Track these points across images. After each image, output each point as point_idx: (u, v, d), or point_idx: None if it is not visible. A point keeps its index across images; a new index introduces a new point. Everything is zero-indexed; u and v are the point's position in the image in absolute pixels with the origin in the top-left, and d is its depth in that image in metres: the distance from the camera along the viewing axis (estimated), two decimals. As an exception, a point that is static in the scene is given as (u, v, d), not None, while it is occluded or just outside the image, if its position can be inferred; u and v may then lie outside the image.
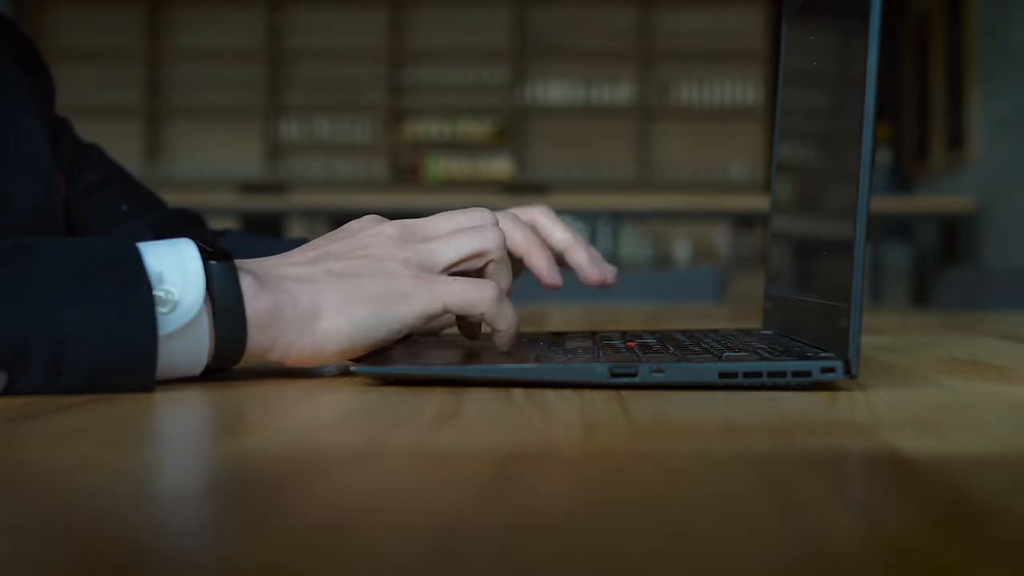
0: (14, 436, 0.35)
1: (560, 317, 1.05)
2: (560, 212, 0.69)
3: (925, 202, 4.24)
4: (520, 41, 5.60)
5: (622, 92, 5.59)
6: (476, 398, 0.42)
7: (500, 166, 5.57)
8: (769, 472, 0.29)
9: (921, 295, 4.34)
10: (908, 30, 4.80)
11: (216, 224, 0.95)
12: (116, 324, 0.42)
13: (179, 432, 0.37)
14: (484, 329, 0.56)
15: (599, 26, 5.59)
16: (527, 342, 0.58)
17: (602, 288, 0.67)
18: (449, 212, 0.54)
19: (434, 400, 0.42)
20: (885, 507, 0.25)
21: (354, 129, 5.66)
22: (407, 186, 5.57)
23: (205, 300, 0.44)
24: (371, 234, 0.51)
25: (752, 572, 0.19)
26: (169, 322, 0.43)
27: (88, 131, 0.87)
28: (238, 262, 0.48)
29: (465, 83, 5.64)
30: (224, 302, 0.45)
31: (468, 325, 0.56)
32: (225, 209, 4.10)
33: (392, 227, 0.52)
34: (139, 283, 0.43)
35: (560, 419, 0.37)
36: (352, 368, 0.48)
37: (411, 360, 0.49)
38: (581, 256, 0.66)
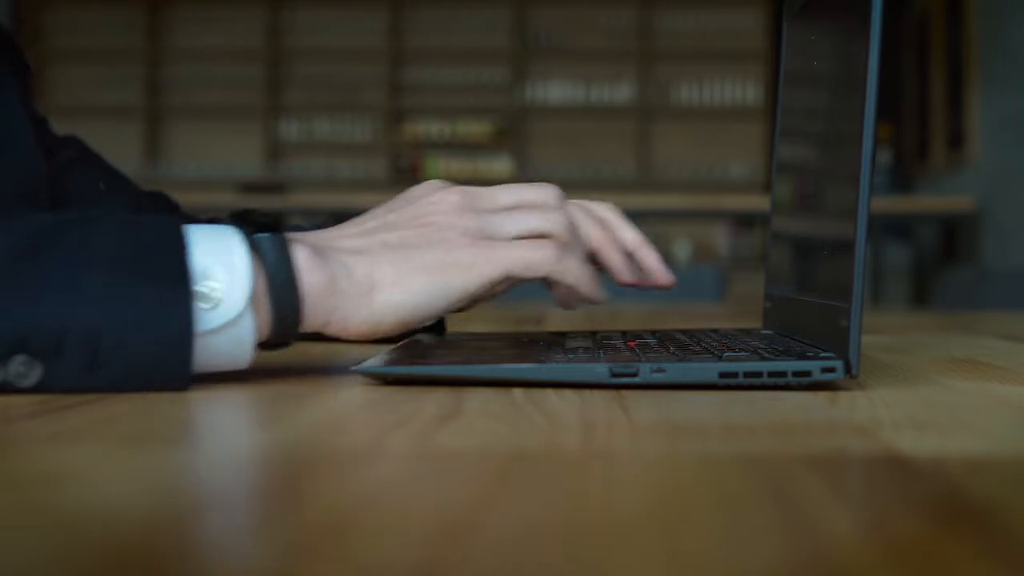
0: (14, 436, 0.35)
1: (560, 317, 1.05)
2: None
3: (925, 202, 4.23)
4: (520, 41, 5.60)
5: (622, 92, 5.59)
6: (476, 398, 0.42)
7: (500, 166, 5.57)
8: (769, 472, 0.29)
9: (921, 295, 4.34)
10: (908, 30, 4.80)
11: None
12: (153, 320, 0.42)
13: (179, 432, 0.37)
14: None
15: (599, 26, 5.59)
16: (527, 342, 0.58)
17: (666, 290, 0.64)
18: (515, 184, 0.53)
19: (434, 400, 0.42)
20: (885, 507, 0.25)
21: (354, 129, 5.66)
22: (407, 186, 5.53)
23: (251, 298, 0.44)
24: (431, 202, 0.50)
25: (752, 572, 0.19)
26: (211, 319, 0.43)
27: (88, 131, 0.87)
28: (295, 235, 0.47)
29: (465, 83, 5.63)
30: (277, 275, 0.45)
31: (561, 292, 0.55)
32: (225, 209, 4.08)
33: (454, 194, 0.51)
34: (180, 279, 0.42)
35: (560, 419, 0.37)
36: (352, 368, 0.48)
37: (411, 360, 0.49)
38: (652, 257, 0.63)
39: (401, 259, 0.47)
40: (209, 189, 5.00)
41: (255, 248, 0.45)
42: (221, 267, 0.43)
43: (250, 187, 4.56)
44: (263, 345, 0.46)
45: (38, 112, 0.81)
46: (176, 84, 5.65)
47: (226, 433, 0.37)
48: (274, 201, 4.17)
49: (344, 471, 0.29)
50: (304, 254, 0.46)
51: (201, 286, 0.43)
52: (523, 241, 0.49)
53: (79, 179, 0.80)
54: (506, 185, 0.53)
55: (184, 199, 0.93)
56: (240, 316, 0.44)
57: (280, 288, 0.45)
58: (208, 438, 0.36)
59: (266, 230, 0.46)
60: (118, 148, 5.42)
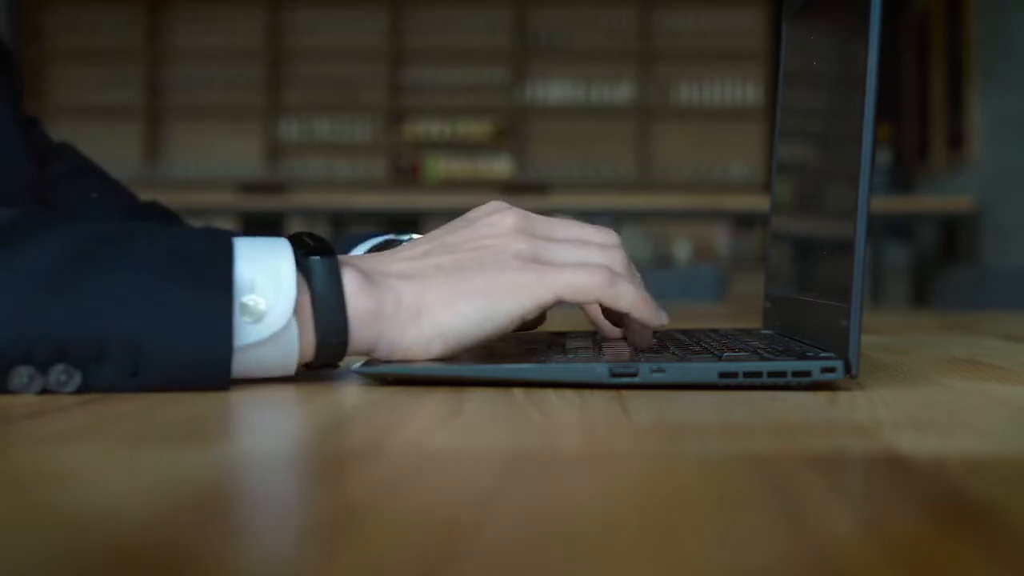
0: (14, 436, 0.35)
1: (560, 317, 1.05)
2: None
3: (925, 202, 4.23)
4: (520, 41, 5.60)
5: (622, 92, 5.59)
6: (476, 398, 0.42)
7: (500, 166, 5.57)
8: (769, 472, 0.29)
9: (921, 295, 4.34)
10: (908, 30, 4.80)
11: (216, 223, 0.95)
12: (193, 332, 0.42)
13: (179, 433, 0.37)
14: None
15: (599, 26, 5.59)
16: (527, 342, 0.58)
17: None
18: (577, 222, 0.52)
19: (434, 400, 0.42)
20: (885, 507, 0.25)
21: (354, 129, 5.66)
22: (407, 186, 5.57)
23: (299, 303, 0.44)
24: (488, 223, 0.50)
25: (752, 572, 0.19)
26: (254, 332, 0.43)
27: (88, 131, 0.87)
28: (348, 258, 0.48)
29: (465, 83, 5.63)
30: (324, 299, 0.45)
31: (611, 317, 0.54)
32: (225, 209, 4.10)
33: (511, 216, 0.50)
34: (223, 291, 0.43)
35: (560, 419, 0.37)
36: (352, 368, 0.48)
37: (397, 350, 0.49)
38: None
39: (452, 282, 0.47)
40: (209, 189, 5.00)
41: (305, 271, 0.45)
42: (266, 280, 0.44)
43: (250, 187, 4.56)
44: (308, 366, 0.47)
45: (29, 116, 0.80)
46: (176, 84, 5.65)
47: (227, 434, 0.37)
48: (274, 201, 4.17)
49: (344, 471, 0.29)
50: (353, 278, 0.46)
51: (245, 299, 0.43)
52: (575, 265, 0.48)
53: (71, 190, 0.80)
54: (568, 220, 0.52)
55: (184, 199, 0.93)
56: (284, 330, 0.44)
57: (327, 312, 0.45)
58: (209, 439, 0.36)
59: (320, 252, 0.46)
60: (118, 148, 5.43)
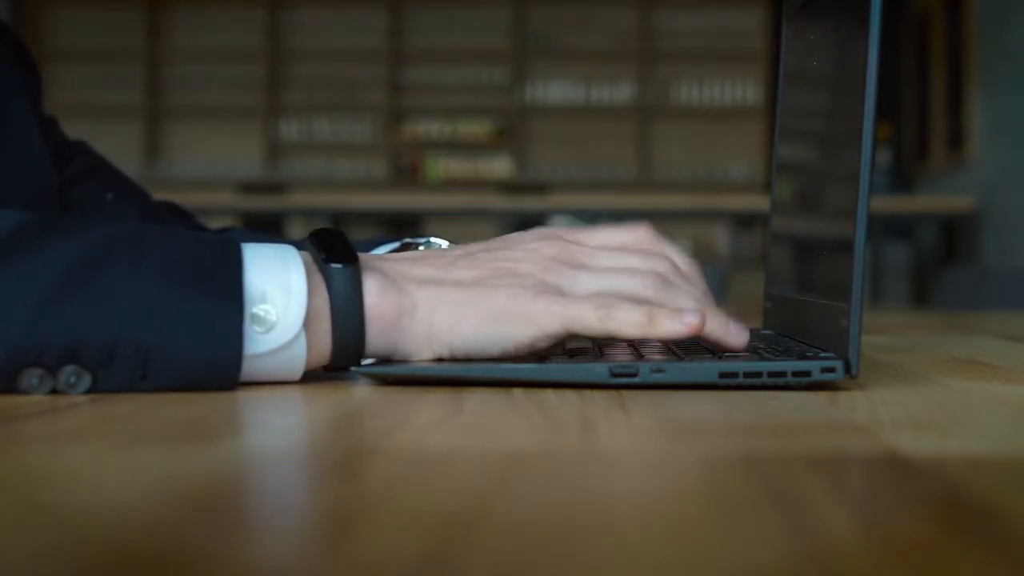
0: (14, 436, 0.35)
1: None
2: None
3: (925, 202, 4.23)
4: (520, 41, 5.60)
5: (622, 92, 5.59)
6: (476, 398, 0.42)
7: (500, 166, 5.57)
8: (769, 472, 0.29)
9: (921, 295, 4.34)
10: (908, 30, 4.80)
11: (216, 223, 0.95)
12: (203, 340, 0.42)
13: (180, 432, 0.37)
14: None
15: (599, 26, 5.59)
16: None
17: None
18: (632, 251, 0.51)
19: (434, 400, 0.42)
20: (885, 507, 0.25)
21: (354, 129, 5.65)
22: (407, 186, 5.56)
23: (317, 309, 0.44)
24: (527, 249, 0.50)
25: (752, 572, 0.19)
26: (264, 342, 0.43)
27: (88, 131, 0.86)
28: (371, 260, 0.47)
29: (465, 83, 5.63)
30: (342, 307, 0.45)
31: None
32: (225, 209, 4.09)
33: (553, 247, 0.50)
34: (233, 299, 0.43)
35: (560, 419, 0.37)
36: (352, 368, 0.48)
37: (411, 360, 0.49)
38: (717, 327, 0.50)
39: (464, 301, 0.47)
40: (209, 189, 5.00)
41: (325, 276, 0.45)
42: (277, 290, 0.44)
43: (250, 187, 4.55)
44: (325, 368, 0.47)
45: (46, 115, 0.80)
46: (176, 84, 5.65)
47: (227, 433, 0.37)
48: (274, 201, 4.17)
49: (345, 471, 0.29)
50: (375, 282, 0.46)
51: (256, 309, 0.43)
52: (586, 298, 0.47)
53: (87, 191, 0.80)
54: (619, 250, 0.51)
55: (184, 199, 0.92)
56: (294, 339, 0.44)
57: (344, 319, 0.45)
58: (209, 438, 0.36)
59: (341, 258, 0.45)
60: (118, 148, 5.40)
